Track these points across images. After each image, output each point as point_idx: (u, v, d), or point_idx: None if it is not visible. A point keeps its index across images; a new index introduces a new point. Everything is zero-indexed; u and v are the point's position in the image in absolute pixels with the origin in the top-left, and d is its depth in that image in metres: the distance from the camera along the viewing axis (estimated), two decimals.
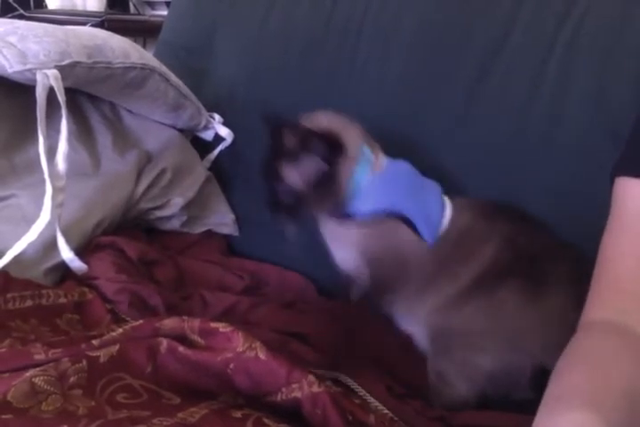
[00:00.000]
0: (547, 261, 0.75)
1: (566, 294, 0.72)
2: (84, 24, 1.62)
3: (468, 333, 0.73)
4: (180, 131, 1.12)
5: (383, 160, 0.81)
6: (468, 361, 0.73)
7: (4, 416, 0.49)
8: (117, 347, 0.60)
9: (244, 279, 0.98)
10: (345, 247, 0.82)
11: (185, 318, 0.66)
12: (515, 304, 0.72)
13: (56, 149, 0.82)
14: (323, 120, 0.79)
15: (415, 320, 0.80)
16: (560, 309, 0.71)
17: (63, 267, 0.85)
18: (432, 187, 0.83)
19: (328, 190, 0.77)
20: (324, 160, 0.76)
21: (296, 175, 0.76)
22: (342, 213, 0.79)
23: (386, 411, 0.67)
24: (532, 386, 0.70)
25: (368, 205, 0.78)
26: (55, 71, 0.82)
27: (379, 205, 0.78)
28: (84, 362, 0.57)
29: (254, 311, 0.88)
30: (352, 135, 0.79)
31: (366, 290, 0.83)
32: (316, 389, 0.58)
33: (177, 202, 1.04)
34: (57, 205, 0.81)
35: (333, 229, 0.82)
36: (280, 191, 0.78)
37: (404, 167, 0.82)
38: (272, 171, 0.78)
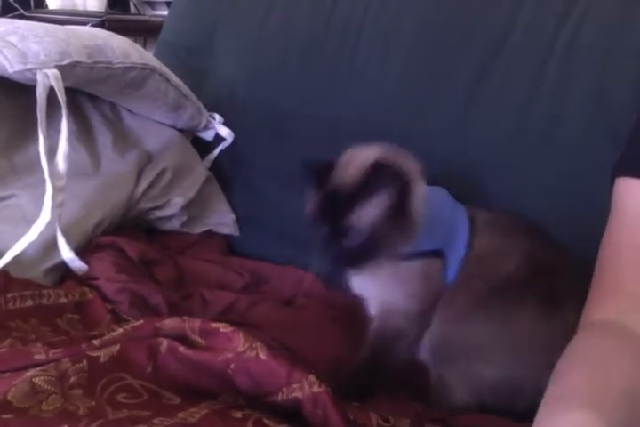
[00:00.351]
0: (562, 277, 0.73)
1: (579, 310, 0.68)
2: (84, 24, 1.62)
3: (476, 345, 0.72)
4: (181, 131, 1.12)
5: (425, 190, 0.73)
6: (472, 371, 0.72)
7: (4, 416, 0.49)
8: (118, 347, 0.60)
9: (244, 277, 0.98)
10: (373, 290, 0.77)
11: (185, 318, 0.66)
12: (529, 320, 0.71)
13: (56, 149, 0.82)
14: (374, 152, 0.71)
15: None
16: (572, 326, 0.70)
17: (63, 267, 0.85)
18: (461, 215, 0.77)
19: (402, 225, 0.68)
20: (397, 191, 0.67)
21: (368, 214, 0.67)
22: (412, 251, 0.71)
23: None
24: (530, 400, 0.69)
25: (424, 244, 0.72)
26: (55, 71, 0.82)
27: (432, 245, 0.73)
28: (85, 362, 0.57)
29: (253, 309, 0.88)
30: (410, 164, 0.71)
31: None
32: (316, 389, 0.58)
33: (177, 202, 1.04)
34: (57, 205, 0.81)
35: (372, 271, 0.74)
36: (347, 239, 0.68)
37: (443, 199, 0.78)
38: (334, 219, 0.68)
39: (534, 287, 0.72)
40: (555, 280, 0.73)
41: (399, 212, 0.68)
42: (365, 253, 0.69)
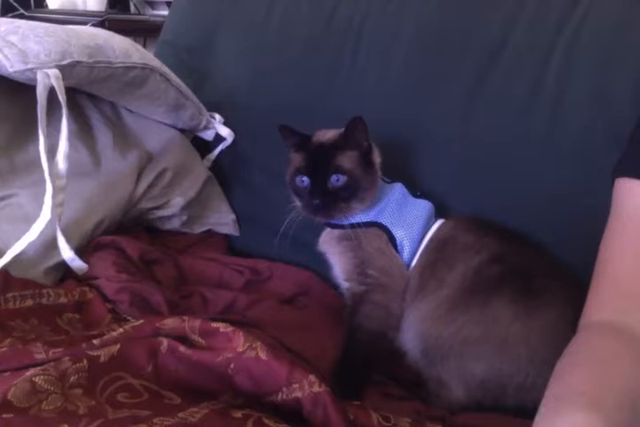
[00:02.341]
0: (538, 278, 0.76)
1: (556, 310, 0.72)
2: (84, 24, 1.62)
3: (465, 343, 0.73)
4: (181, 131, 1.12)
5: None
6: (465, 368, 0.73)
7: (4, 415, 0.49)
8: (118, 346, 0.60)
9: (244, 274, 0.98)
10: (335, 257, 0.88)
11: (185, 318, 0.66)
12: (507, 313, 0.72)
13: (56, 149, 0.82)
14: (340, 129, 0.86)
15: (407, 329, 0.80)
16: (549, 324, 0.71)
17: (63, 266, 0.85)
18: (421, 206, 0.88)
19: (369, 172, 0.84)
20: (364, 146, 0.84)
21: (347, 160, 0.83)
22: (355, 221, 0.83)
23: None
24: (518, 395, 0.70)
25: (364, 217, 0.85)
26: (56, 71, 0.82)
27: (371, 217, 0.85)
28: (85, 361, 0.57)
29: (253, 308, 0.88)
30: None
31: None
32: (316, 389, 0.58)
33: (177, 202, 1.04)
34: (57, 205, 0.81)
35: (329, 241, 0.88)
36: (331, 182, 0.81)
37: (396, 189, 0.89)
38: (319, 168, 0.82)
39: (507, 283, 0.75)
40: (527, 277, 0.76)
41: (366, 161, 0.84)
42: (343, 196, 0.81)
